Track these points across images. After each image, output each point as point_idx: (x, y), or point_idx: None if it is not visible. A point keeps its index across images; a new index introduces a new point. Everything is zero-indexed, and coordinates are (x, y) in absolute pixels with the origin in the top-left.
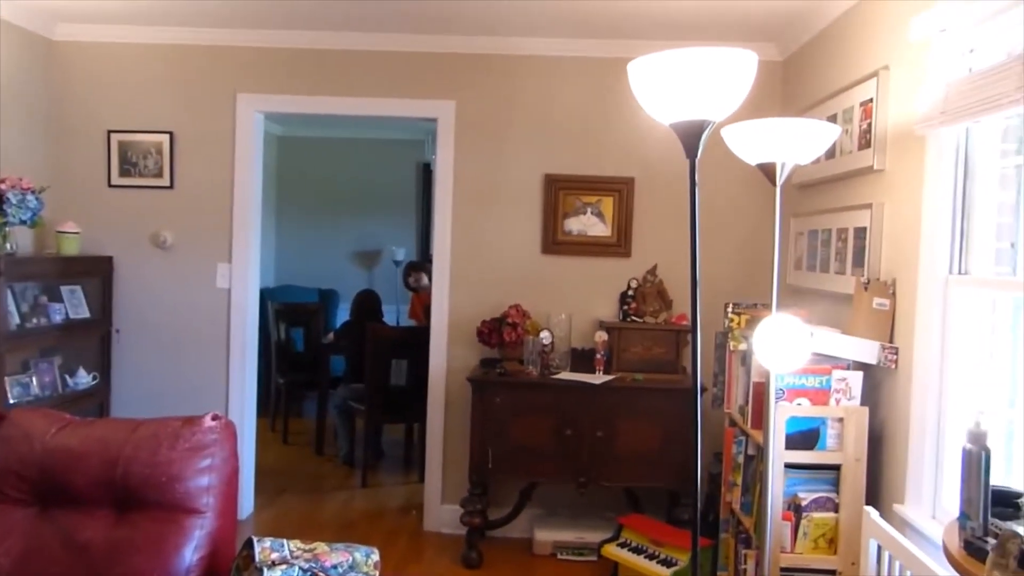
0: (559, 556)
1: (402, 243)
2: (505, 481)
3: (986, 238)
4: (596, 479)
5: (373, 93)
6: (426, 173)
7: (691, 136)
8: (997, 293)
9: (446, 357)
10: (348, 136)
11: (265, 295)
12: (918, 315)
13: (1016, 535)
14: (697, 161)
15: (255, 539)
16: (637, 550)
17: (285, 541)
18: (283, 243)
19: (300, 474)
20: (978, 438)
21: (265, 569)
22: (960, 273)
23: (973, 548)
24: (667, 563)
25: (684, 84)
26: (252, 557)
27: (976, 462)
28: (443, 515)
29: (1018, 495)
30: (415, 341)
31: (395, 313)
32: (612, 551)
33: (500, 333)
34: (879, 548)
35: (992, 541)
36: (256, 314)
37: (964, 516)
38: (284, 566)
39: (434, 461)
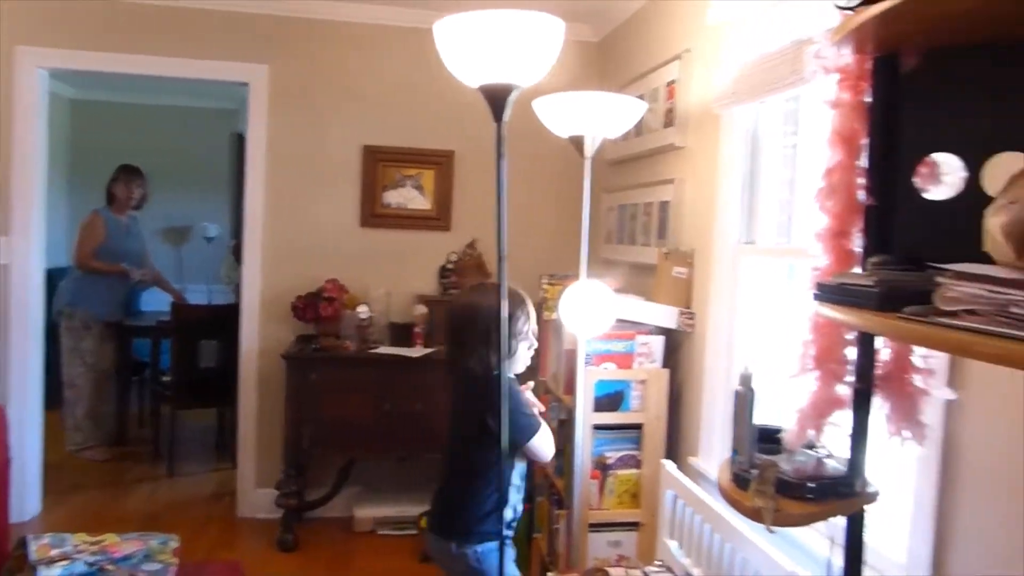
0: (379, 532)
1: (215, 219)
2: (323, 460)
3: (770, 211)
4: (416, 453)
5: (178, 53)
6: (241, 145)
7: (498, 100)
8: (777, 260)
9: (259, 335)
10: (153, 103)
11: (57, 275)
12: (712, 282)
13: (774, 464)
14: (504, 125)
15: (30, 537)
16: None
17: (68, 536)
18: (77, 218)
19: (98, 468)
20: (746, 380)
21: (42, 568)
22: (748, 243)
23: (740, 479)
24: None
25: (490, 46)
26: (25, 557)
27: (744, 402)
28: (258, 500)
29: (778, 431)
30: (225, 320)
31: (206, 294)
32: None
33: (316, 308)
34: (675, 497)
35: (755, 472)
36: (41, 294)
37: (734, 452)
38: (65, 562)
39: (247, 445)
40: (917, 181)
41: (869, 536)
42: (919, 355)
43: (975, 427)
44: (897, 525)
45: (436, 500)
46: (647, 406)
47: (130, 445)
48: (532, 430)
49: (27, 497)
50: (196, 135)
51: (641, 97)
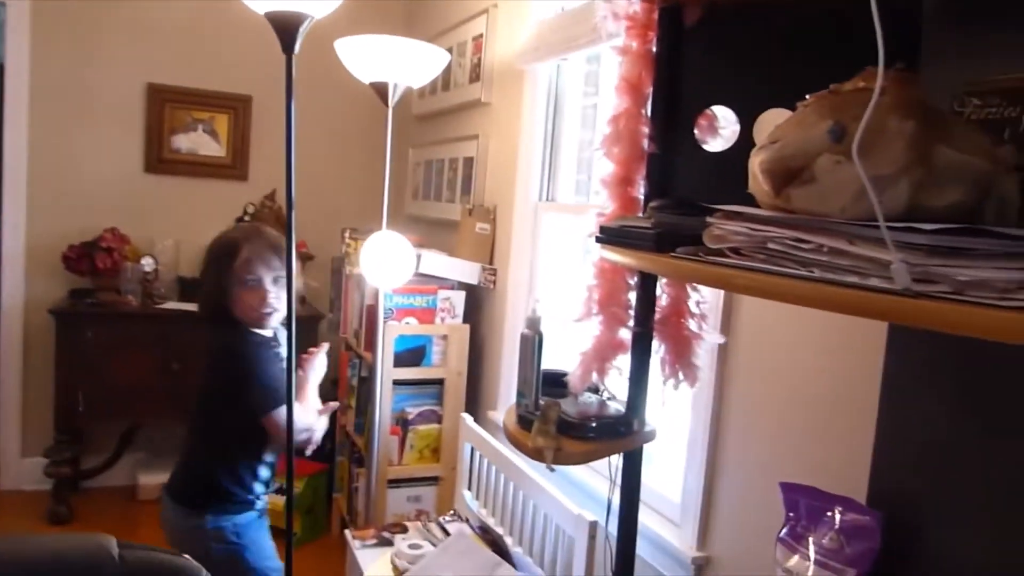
0: None
1: None
2: (102, 426)
3: (569, 170)
4: None
5: None
6: None
7: (288, 30)
8: (576, 218)
9: (24, 289)
10: None
11: None
12: (513, 239)
13: (556, 403)
14: (293, 59)
15: None
16: None
17: None
18: None
19: None
20: (533, 323)
21: None
22: (548, 201)
23: (524, 421)
24: (282, 492)
25: None
26: None
27: (530, 345)
28: (24, 469)
29: (564, 374)
30: None
31: None
32: None
33: (92, 259)
34: (472, 450)
35: (539, 413)
36: None
37: (520, 395)
38: None
39: (10, 409)
40: (696, 132)
41: (648, 476)
42: (694, 301)
43: (740, 369)
44: (673, 466)
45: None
46: (448, 361)
47: None
48: (268, 403)
49: None
50: None
51: (449, 50)
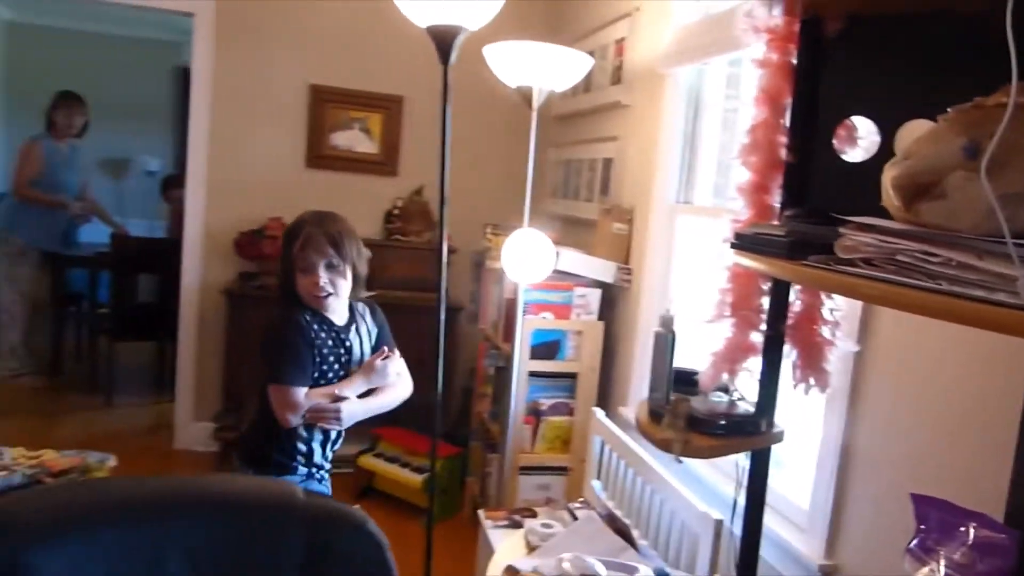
0: None
1: (156, 153)
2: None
3: (708, 173)
4: None
5: None
6: (184, 78)
7: (445, 42)
8: (713, 220)
9: (201, 271)
10: (94, 30)
11: None
12: (649, 239)
13: (685, 399)
14: (450, 68)
15: None
16: (392, 459)
17: (5, 449)
18: (14, 145)
19: (34, 394)
20: (667, 322)
21: None
22: (685, 203)
23: (655, 414)
24: (420, 471)
25: None
26: None
27: (663, 343)
28: (194, 432)
29: (695, 373)
30: (165, 254)
31: (146, 228)
32: (367, 461)
33: (259, 246)
34: (602, 443)
35: (668, 407)
36: None
37: (652, 390)
38: (3, 473)
39: (186, 378)
40: (835, 142)
41: (776, 481)
42: (827, 308)
43: (876, 377)
44: (803, 472)
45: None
46: (581, 356)
47: (66, 376)
48: (269, 375)
49: None
50: (137, 66)
51: (591, 54)
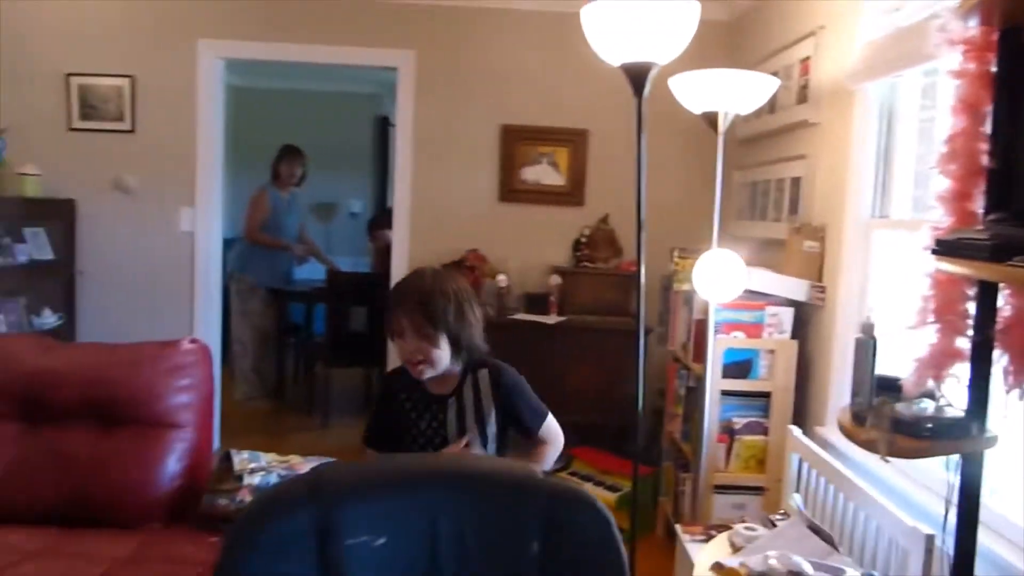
0: None
1: (358, 196)
2: None
3: (905, 185)
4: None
5: (334, 41)
6: (382, 126)
7: (638, 77)
8: (911, 234)
9: None
10: (304, 87)
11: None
12: (843, 256)
13: (887, 401)
14: (643, 101)
15: (233, 451)
16: (586, 478)
17: (261, 454)
18: (238, 195)
19: (262, 416)
20: (868, 329)
21: (245, 475)
22: (881, 217)
23: (859, 418)
24: (613, 489)
25: (632, 27)
26: (231, 468)
27: (864, 349)
28: None
29: (897, 379)
30: (375, 287)
31: (352, 264)
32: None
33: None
34: (800, 461)
35: (872, 408)
36: (219, 259)
37: (854, 395)
38: (262, 472)
39: None
40: None
41: (990, 500)
42: None
43: None
44: (1020, 489)
45: None
46: (775, 375)
47: (287, 400)
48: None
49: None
50: (341, 118)
51: (775, 74)
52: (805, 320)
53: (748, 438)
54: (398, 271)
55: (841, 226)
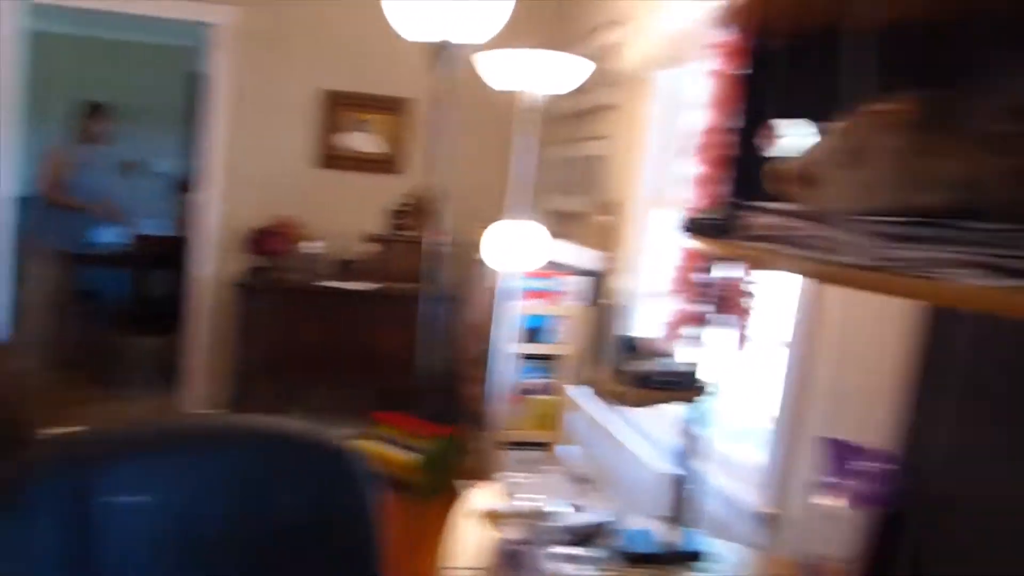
0: None
1: (167, 154)
2: (265, 387)
3: (682, 169)
4: (355, 382)
5: None
6: (195, 83)
7: (435, 55)
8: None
9: (214, 265)
10: (109, 37)
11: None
12: (629, 231)
13: (630, 361)
14: (446, 76)
15: None
16: (390, 442)
17: None
18: (36, 150)
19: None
20: (621, 296)
21: None
22: (658, 196)
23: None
24: (416, 451)
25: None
26: None
27: (610, 314)
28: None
29: (641, 339)
30: (180, 251)
31: (157, 226)
32: (364, 445)
33: (271, 241)
34: (576, 418)
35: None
36: (9, 219)
37: (606, 356)
38: None
39: (197, 370)
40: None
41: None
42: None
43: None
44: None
45: None
46: (567, 340)
47: (78, 369)
48: None
49: None
50: (148, 72)
51: (591, 56)
52: (603, 290)
53: (540, 398)
54: (207, 234)
55: (630, 204)
